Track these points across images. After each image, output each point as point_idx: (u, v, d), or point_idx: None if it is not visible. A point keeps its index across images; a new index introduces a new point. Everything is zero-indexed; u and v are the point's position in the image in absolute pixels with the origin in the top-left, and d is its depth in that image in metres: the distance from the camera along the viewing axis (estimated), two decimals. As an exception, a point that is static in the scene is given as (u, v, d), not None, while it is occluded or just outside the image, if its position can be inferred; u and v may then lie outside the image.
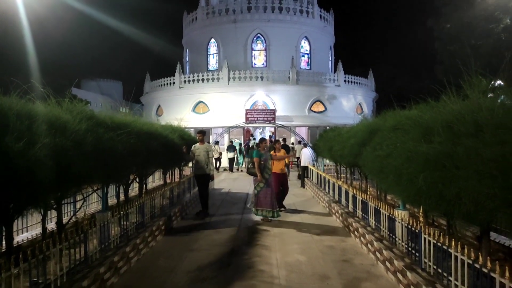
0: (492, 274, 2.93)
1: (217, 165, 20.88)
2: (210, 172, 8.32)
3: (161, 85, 27.80)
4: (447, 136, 3.73)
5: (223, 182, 15.89)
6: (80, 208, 6.30)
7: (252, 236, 6.70)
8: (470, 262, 3.23)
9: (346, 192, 8.06)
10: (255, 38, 28.18)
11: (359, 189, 8.48)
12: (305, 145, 15.24)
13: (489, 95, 4.24)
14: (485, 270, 3.01)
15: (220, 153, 21.44)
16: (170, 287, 4.40)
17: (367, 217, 6.43)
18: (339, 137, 9.68)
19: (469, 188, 3.15)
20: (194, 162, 8.42)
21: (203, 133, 8.55)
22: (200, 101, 25.68)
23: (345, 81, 26.34)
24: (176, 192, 8.71)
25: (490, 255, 3.68)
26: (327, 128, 15.99)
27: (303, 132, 25.82)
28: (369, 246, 5.56)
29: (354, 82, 27.03)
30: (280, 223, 7.79)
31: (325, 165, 14.77)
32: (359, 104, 27.46)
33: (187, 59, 32.09)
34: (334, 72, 27.16)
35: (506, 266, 3.01)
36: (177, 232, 7.03)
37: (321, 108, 25.53)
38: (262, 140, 8.40)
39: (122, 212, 5.30)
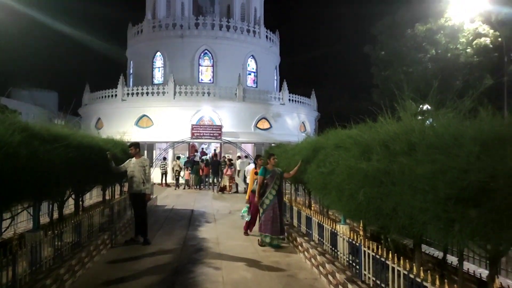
0: (425, 283, 3.17)
1: (178, 181, 20.70)
2: (146, 191, 7.27)
3: (102, 97, 26.59)
4: (384, 154, 4.00)
5: (166, 198, 15.42)
6: (8, 227, 5.72)
7: (197, 254, 6.55)
8: (405, 272, 3.46)
9: (291, 208, 8.24)
10: (202, 54, 28.21)
11: (303, 205, 8.72)
12: (244, 156, 15.34)
13: (419, 118, 4.66)
14: (418, 279, 3.25)
15: (181, 168, 20.99)
16: (109, 310, 4.13)
17: (311, 232, 6.62)
18: (285, 154, 9.93)
19: (403, 203, 3.41)
20: (128, 179, 7.38)
21: (137, 146, 7.60)
22: (144, 115, 24.93)
23: (289, 100, 27.23)
24: (117, 209, 8.28)
25: (422, 265, 3.98)
26: (273, 144, 16.33)
27: (249, 148, 26.08)
28: (313, 260, 5.71)
29: (298, 101, 28.03)
30: (226, 239, 7.72)
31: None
32: (303, 122, 28.47)
33: (131, 71, 31.13)
34: (279, 91, 27.98)
35: (436, 275, 3.28)
36: (116, 251, 6.65)
37: (267, 125, 26.05)
38: (271, 154, 7.52)
39: (56, 231, 4.91)
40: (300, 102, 28.32)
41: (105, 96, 26.36)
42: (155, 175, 19.64)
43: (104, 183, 9.08)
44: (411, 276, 3.35)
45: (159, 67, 28.86)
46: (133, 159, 7.44)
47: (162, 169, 20.97)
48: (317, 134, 18.52)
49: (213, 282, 5.07)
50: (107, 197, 9.97)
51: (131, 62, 31.23)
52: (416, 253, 4.28)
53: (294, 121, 27.60)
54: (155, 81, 28.54)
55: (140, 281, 5.05)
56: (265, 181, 7.08)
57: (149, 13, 29.69)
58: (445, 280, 3.33)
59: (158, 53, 28.70)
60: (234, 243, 7.45)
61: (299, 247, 6.57)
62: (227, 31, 28.28)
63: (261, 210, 7.14)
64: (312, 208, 8.41)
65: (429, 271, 3.39)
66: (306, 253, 6.13)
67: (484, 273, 4.30)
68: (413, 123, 4.02)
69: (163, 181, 20.97)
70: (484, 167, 2.71)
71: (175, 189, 19.53)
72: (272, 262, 6.07)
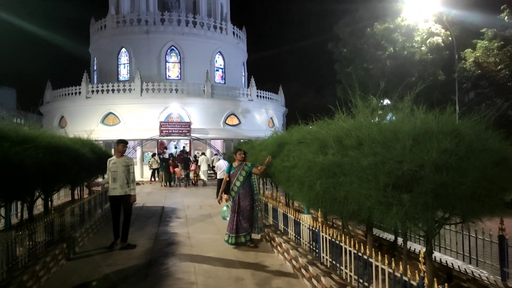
0: (371, 260, 3.65)
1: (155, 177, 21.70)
2: (131, 192, 6.81)
3: (65, 94, 25.87)
4: (338, 149, 4.46)
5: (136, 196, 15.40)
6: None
7: (169, 248, 6.83)
8: (355, 251, 3.94)
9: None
10: (169, 50, 28.03)
11: (270, 198, 9.17)
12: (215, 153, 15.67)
13: (379, 112, 5.16)
14: (365, 257, 3.73)
15: (158, 165, 21.34)
16: (86, 302, 4.36)
17: (277, 222, 7.07)
18: (252, 149, 10.32)
19: (353, 191, 3.87)
20: (109, 180, 6.86)
21: (125, 143, 7.00)
22: (110, 112, 24.54)
23: (257, 96, 27.65)
24: (87, 208, 8.36)
25: (375, 248, 4.49)
26: (241, 140, 16.71)
27: (218, 145, 26.33)
28: (279, 248, 6.16)
29: (265, 97, 28.52)
30: (197, 234, 8.03)
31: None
32: (271, 118, 29.02)
33: (95, 68, 30.41)
34: (247, 87, 28.34)
35: (385, 254, 3.77)
36: (90, 249, 6.80)
37: (236, 121, 26.37)
38: (238, 149, 7.15)
39: (29, 230, 5.04)
40: (268, 98, 28.82)
41: (69, 94, 25.67)
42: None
43: (73, 183, 9.12)
44: (360, 254, 3.84)
45: (124, 64, 28.40)
46: (114, 158, 6.90)
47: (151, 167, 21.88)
48: (285, 129, 19.06)
49: (185, 272, 5.39)
50: (76, 197, 10.00)
51: (95, 58, 30.49)
52: (368, 236, 4.81)
53: (263, 117, 28.08)
54: (121, 78, 28.09)
55: (114, 274, 5.29)
56: (229, 176, 6.85)
57: (113, 8, 29.08)
58: (392, 259, 3.82)
59: (123, 49, 28.22)
60: (205, 236, 7.78)
61: (267, 236, 7.00)
62: (194, 27, 28.24)
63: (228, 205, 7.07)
64: (279, 200, 8.88)
65: (379, 252, 3.89)
66: (272, 241, 6.57)
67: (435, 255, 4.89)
68: (363, 120, 4.50)
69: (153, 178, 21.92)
70: (414, 158, 3.20)
71: (163, 185, 19.76)
72: (241, 252, 6.46)
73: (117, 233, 6.88)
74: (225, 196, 6.96)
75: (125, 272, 5.41)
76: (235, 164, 6.94)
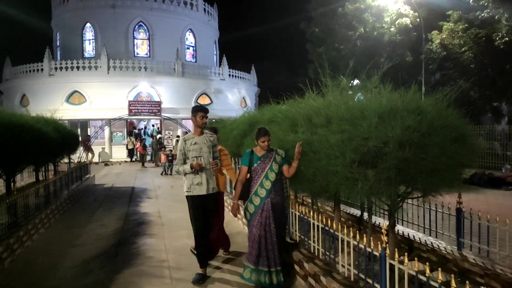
0: (342, 236, 3.79)
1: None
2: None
3: (26, 71, 24.52)
4: (307, 127, 4.52)
5: (104, 177, 15.11)
6: None
7: (139, 227, 6.78)
8: (323, 226, 4.07)
9: (230, 180, 8.70)
10: (137, 27, 27.02)
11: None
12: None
13: (349, 92, 5.24)
14: (337, 233, 3.87)
15: (133, 145, 21.37)
16: (54, 283, 4.29)
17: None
18: (224, 129, 10.29)
19: (321, 168, 3.96)
20: (186, 169, 4.27)
21: (206, 112, 4.40)
22: (75, 91, 23.55)
23: (229, 75, 27.34)
24: (52, 189, 8.10)
25: (342, 223, 4.64)
26: (213, 120, 16.58)
27: (190, 125, 26.00)
28: (229, 207, 6.24)
29: (238, 77, 28.26)
30: (168, 213, 8.00)
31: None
32: (243, 98, 28.87)
33: (58, 44, 28.91)
34: (219, 66, 27.92)
35: (351, 229, 3.92)
36: (55, 230, 6.64)
37: (208, 101, 26.06)
38: (265, 132, 4.25)
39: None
40: (240, 77, 28.58)
41: (30, 71, 24.35)
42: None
43: (36, 164, 8.79)
44: (327, 229, 3.97)
45: (89, 40, 27.17)
46: (191, 135, 4.44)
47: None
48: (257, 108, 19.07)
49: (156, 250, 5.39)
50: (40, 178, 9.66)
51: (57, 33, 28.96)
52: (335, 211, 4.96)
53: (235, 97, 27.88)
54: (86, 55, 26.91)
55: (81, 254, 5.21)
56: (250, 173, 4.19)
57: (75, -20, 27.46)
58: (357, 232, 3.97)
59: (88, 25, 26.94)
60: (176, 215, 7.77)
61: (238, 215, 7.08)
62: (163, 2, 27.29)
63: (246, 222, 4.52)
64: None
65: (345, 226, 4.03)
66: (244, 219, 6.66)
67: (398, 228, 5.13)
68: (332, 99, 4.56)
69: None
70: (379, 135, 3.30)
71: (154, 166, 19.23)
72: (212, 230, 6.50)
73: (207, 256, 4.56)
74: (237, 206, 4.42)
75: (95, 252, 5.33)
76: (258, 151, 4.26)
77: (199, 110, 4.34)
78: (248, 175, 4.17)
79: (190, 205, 4.38)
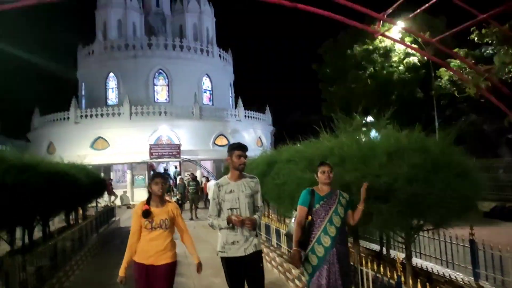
0: (361, 267, 4.03)
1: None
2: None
3: (54, 120, 25.98)
4: (323, 166, 4.92)
5: (129, 220, 15.52)
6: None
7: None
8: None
9: (276, 230, 8.96)
10: (157, 74, 28.57)
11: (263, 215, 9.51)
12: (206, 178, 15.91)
13: (362, 129, 5.65)
14: (357, 266, 4.12)
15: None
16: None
17: (270, 238, 7.41)
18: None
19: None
20: (220, 222, 3.45)
21: (245, 150, 3.66)
22: (99, 137, 24.69)
23: (245, 116, 28.23)
24: (84, 232, 8.55)
25: (360, 256, 4.88)
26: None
27: (208, 165, 26.60)
28: (273, 262, 6.49)
29: (253, 117, 29.11)
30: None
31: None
32: (259, 137, 29.53)
33: (83, 93, 30.66)
34: (235, 108, 28.91)
35: (371, 262, 4.15)
36: (88, 271, 6.99)
37: (225, 141, 26.78)
38: (326, 163, 3.76)
39: (35, 254, 5.29)
40: (256, 118, 29.42)
41: (57, 119, 25.80)
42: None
43: (69, 208, 9.33)
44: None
45: (112, 88, 28.77)
46: (226, 180, 3.57)
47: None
48: (274, 147, 19.58)
49: (185, 288, 5.67)
50: (71, 222, 10.16)
51: (83, 83, 30.79)
52: (354, 246, 5.21)
53: (251, 137, 28.57)
54: (109, 102, 28.37)
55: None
56: (311, 216, 3.51)
57: (100, 34, 29.60)
58: (374, 264, 4.22)
59: (111, 74, 28.64)
60: (201, 255, 7.97)
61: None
62: (181, 51, 28.93)
63: (305, 276, 3.61)
64: (271, 218, 9.23)
65: (366, 260, 4.28)
66: (267, 257, 6.90)
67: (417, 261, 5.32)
68: (344, 139, 4.98)
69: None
70: (389, 172, 3.67)
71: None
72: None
73: None
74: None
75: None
76: (320, 190, 3.64)
77: (235, 148, 3.60)
78: (310, 217, 3.49)
79: (224, 269, 3.46)
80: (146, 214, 3.40)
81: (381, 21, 8.40)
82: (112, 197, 21.01)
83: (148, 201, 3.51)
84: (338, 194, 3.64)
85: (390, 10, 7.66)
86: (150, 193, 3.52)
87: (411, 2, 7.54)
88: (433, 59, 11.72)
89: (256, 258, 3.40)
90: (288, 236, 4.03)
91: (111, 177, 23.47)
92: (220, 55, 31.57)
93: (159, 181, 3.48)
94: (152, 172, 24.89)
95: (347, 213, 3.59)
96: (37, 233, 8.36)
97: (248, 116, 28.56)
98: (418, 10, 7.80)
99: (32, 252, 5.31)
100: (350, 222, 3.64)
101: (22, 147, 27.19)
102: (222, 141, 26.69)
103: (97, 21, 30.27)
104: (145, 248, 3.47)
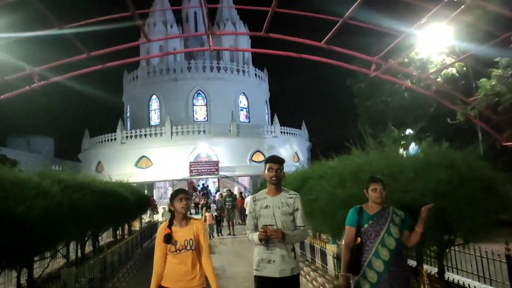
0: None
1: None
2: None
3: (102, 141, 27.73)
4: (354, 182, 5.05)
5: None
6: (47, 265, 6.56)
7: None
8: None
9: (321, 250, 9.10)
10: (196, 95, 29.78)
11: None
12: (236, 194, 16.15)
13: (401, 142, 5.75)
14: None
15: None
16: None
17: (305, 253, 7.53)
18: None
19: (368, 219, 4.42)
20: (254, 238, 3.14)
21: (276, 162, 3.43)
22: (143, 156, 25.99)
23: (281, 132, 28.54)
24: (130, 246, 9.12)
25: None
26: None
27: (246, 181, 27.02)
28: (307, 277, 6.61)
29: (289, 133, 29.35)
30: (231, 267, 8.56)
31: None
32: (295, 152, 29.64)
33: (128, 115, 32.53)
34: (271, 124, 29.34)
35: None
36: (133, 283, 7.46)
37: (261, 158, 27.15)
38: (377, 178, 3.38)
39: (88, 266, 5.80)
40: (292, 133, 29.64)
41: (105, 141, 27.51)
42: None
43: (117, 224, 9.99)
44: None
45: (155, 109, 30.30)
46: (264, 195, 3.39)
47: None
48: (310, 163, 19.61)
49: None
50: (118, 237, 10.83)
51: (128, 106, 32.68)
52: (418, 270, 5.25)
53: (287, 152, 28.74)
54: (152, 123, 29.86)
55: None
56: (359, 237, 3.17)
57: (143, 60, 31.48)
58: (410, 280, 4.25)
59: (154, 97, 30.23)
60: (239, 269, 8.30)
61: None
62: (218, 72, 30.05)
63: None
64: (316, 237, 9.33)
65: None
66: (301, 271, 7.02)
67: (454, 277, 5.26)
68: (374, 156, 5.11)
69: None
70: (417, 188, 3.77)
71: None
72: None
73: None
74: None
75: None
76: (369, 209, 3.31)
77: (267, 161, 3.39)
78: (359, 239, 3.13)
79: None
80: (168, 239, 3.06)
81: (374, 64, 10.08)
82: (154, 213, 21.85)
83: (170, 222, 3.14)
84: (391, 212, 3.22)
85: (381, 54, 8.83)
86: (172, 212, 3.17)
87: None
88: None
89: (292, 282, 3.07)
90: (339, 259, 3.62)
91: (154, 194, 24.50)
92: (255, 74, 32.37)
93: (183, 197, 3.10)
94: (193, 188, 25.70)
95: (403, 233, 3.13)
96: (88, 247, 9.05)
97: (284, 132, 28.85)
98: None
99: (85, 265, 5.83)
100: (406, 244, 3.18)
101: (75, 167, 29.18)
102: (259, 157, 27.10)
103: (141, 49, 32.20)
104: (172, 271, 3.11)
